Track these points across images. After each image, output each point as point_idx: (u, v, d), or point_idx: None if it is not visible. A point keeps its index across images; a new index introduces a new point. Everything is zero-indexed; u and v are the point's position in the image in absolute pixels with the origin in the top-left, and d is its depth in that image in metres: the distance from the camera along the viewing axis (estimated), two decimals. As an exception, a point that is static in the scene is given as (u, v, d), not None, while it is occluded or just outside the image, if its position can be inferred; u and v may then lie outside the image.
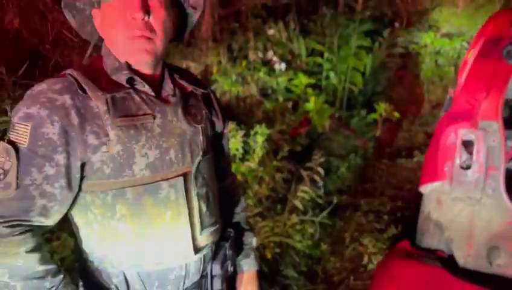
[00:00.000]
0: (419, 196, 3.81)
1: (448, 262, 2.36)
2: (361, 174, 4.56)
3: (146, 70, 1.06)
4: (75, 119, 0.97)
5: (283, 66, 6.10)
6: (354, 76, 6.12)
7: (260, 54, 6.10)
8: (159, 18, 1.02)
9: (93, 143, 0.98)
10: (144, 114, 1.03)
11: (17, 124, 0.96)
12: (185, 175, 1.08)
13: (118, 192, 1.01)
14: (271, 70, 6.01)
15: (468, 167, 2.24)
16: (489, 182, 2.18)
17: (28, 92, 0.99)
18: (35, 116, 0.95)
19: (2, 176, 0.94)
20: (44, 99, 0.96)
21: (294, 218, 3.01)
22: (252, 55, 6.11)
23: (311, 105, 4.87)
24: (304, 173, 3.12)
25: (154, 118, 1.04)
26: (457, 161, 2.26)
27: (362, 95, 6.59)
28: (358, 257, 3.04)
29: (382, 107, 4.87)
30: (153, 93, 1.06)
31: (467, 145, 2.26)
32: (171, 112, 1.07)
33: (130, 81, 1.04)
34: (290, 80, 5.83)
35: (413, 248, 2.54)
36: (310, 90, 5.54)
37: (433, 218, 2.38)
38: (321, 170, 3.09)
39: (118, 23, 1.01)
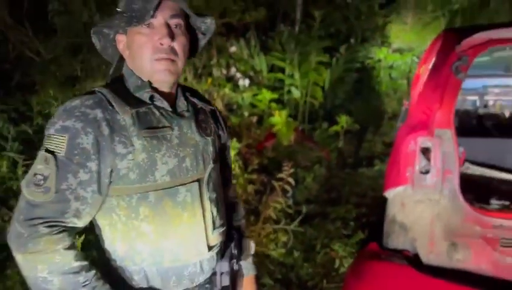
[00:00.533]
0: (382, 202, 4.05)
1: (413, 260, 2.57)
2: (326, 184, 4.77)
3: (164, 88, 1.21)
4: (105, 131, 1.10)
5: (247, 82, 6.29)
6: (315, 90, 6.39)
7: (224, 71, 6.26)
8: (180, 43, 1.17)
9: (121, 152, 1.11)
10: (164, 126, 1.17)
11: (53, 136, 1.08)
12: (198, 181, 1.22)
13: (142, 195, 1.13)
14: (235, 87, 6.18)
15: (427, 172, 2.46)
16: (446, 185, 2.40)
17: (62, 108, 1.11)
18: (71, 128, 1.08)
19: (42, 182, 1.06)
20: (78, 113, 1.09)
21: (268, 227, 3.14)
22: (216, 72, 6.27)
23: (276, 119, 5.05)
24: (276, 184, 3.26)
25: (172, 130, 1.18)
26: (417, 167, 2.48)
27: (322, 109, 6.88)
28: (330, 262, 3.20)
29: (344, 120, 5.13)
30: (170, 109, 1.20)
31: (425, 152, 2.48)
32: (186, 125, 1.22)
33: (151, 98, 1.18)
34: (254, 95, 6.02)
35: (381, 249, 2.73)
36: (274, 105, 5.74)
37: (398, 220, 2.57)
38: (292, 180, 3.25)
39: (145, 47, 1.15)
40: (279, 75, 6.58)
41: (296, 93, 6.36)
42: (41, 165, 1.07)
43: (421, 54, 7.56)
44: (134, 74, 1.20)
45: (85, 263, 1.09)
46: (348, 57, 7.22)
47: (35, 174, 1.07)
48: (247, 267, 1.48)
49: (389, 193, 2.63)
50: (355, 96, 7.50)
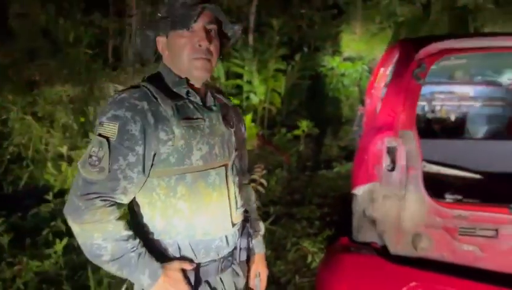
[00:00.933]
0: (343, 200, 4.27)
1: (382, 251, 2.77)
2: (289, 186, 4.94)
3: (197, 85, 1.38)
4: (151, 120, 1.25)
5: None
6: (273, 97, 6.58)
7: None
8: (214, 46, 1.35)
9: (163, 138, 1.26)
10: (197, 118, 1.34)
11: (106, 123, 1.23)
12: (225, 166, 1.39)
13: (180, 176, 1.30)
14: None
15: (393, 169, 2.67)
16: (411, 181, 2.63)
17: (111, 99, 1.27)
18: (121, 116, 1.23)
19: (97, 162, 1.21)
20: (128, 104, 1.24)
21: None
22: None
23: (238, 124, 5.16)
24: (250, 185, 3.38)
25: (204, 121, 1.35)
26: (384, 165, 2.69)
27: (280, 115, 7.09)
28: (301, 259, 3.35)
29: (304, 124, 5.34)
30: (201, 103, 1.37)
31: (391, 151, 2.70)
32: (214, 118, 1.39)
33: (187, 93, 1.34)
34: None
35: (351, 243, 2.92)
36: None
37: (368, 215, 2.77)
38: (264, 181, 3.37)
39: (186, 48, 1.32)
40: (238, 82, 6.72)
41: (255, 99, 6.52)
42: (96, 148, 1.22)
43: (370, 63, 8.02)
44: (172, 72, 1.36)
45: (131, 232, 1.26)
46: (302, 65, 7.49)
47: (90, 156, 1.23)
48: (259, 245, 1.67)
49: (358, 190, 2.82)
50: (309, 102, 7.78)
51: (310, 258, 3.20)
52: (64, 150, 3.46)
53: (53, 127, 4.38)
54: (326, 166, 5.40)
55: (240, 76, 6.76)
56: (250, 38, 6.97)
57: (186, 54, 1.32)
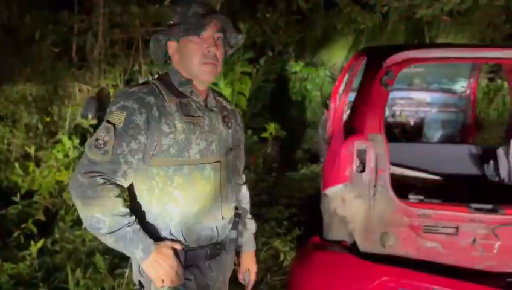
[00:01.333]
0: (310, 201, 4.40)
1: (352, 249, 2.91)
2: (256, 188, 5.02)
3: (202, 87, 1.52)
4: (155, 113, 1.38)
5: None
6: (239, 99, 6.66)
7: (150, 78, 6.25)
8: (220, 52, 1.49)
9: (166, 131, 1.39)
10: (198, 116, 1.48)
11: (114, 111, 1.37)
12: (219, 162, 1.52)
13: (178, 167, 1.42)
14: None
15: (362, 171, 2.82)
16: (379, 181, 2.78)
17: (122, 92, 1.42)
18: (129, 107, 1.36)
19: (102, 145, 1.34)
20: (136, 97, 1.38)
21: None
22: (141, 79, 6.23)
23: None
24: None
25: (204, 119, 1.49)
26: (354, 167, 2.83)
27: (244, 117, 7.17)
28: (271, 258, 3.44)
29: (272, 127, 5.45)
30: (203, 103, 1.51)
31: (361, 153, 2.84)
32: (214, 117, 1.53)
33: (191, 92, 1.48)
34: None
35: (322, 241, 3.04)
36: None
37: (339, 214, 2.90)
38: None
39: (196, 53, 1.45)
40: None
41: (221, 101, 6.56)
42: (103, 133, 1.36)
43: (331, 69, 8.27)
44: (179, 73, 1.49)
45: (128, 210, 1.38)
46: (267, 69, 7.61)
47: (97, 139, 1.36)
48: (249, 243, 1.78)
49: (330, 191, 2.94)
50: (273, 105, 7.90)
51: (282, 257, 3.29)
52: (32, 150, 3.38)
53: (15, 127, 4.25)
54: (292, 168, 5.54)
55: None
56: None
57: (196, 59, 1.45)
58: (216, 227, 1.53)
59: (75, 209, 2.96)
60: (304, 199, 4.70)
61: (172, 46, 1.49)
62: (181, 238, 1.46)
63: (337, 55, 8.42)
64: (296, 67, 7.82)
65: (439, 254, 2.78)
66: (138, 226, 1.39)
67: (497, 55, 3.09)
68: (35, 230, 2.72)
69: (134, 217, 1.39)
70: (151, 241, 1.39)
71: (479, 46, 3.35)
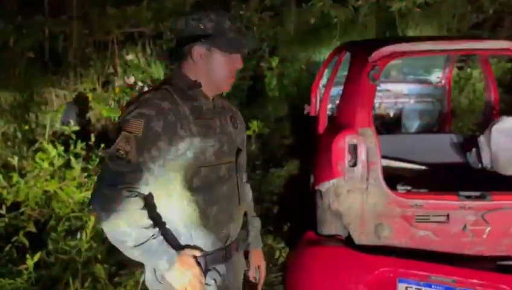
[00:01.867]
0: (296, 197, 4.43)
1: (347, 242, 2.96)
2: (241, 186, 5.02)
3: (211, 92, 1.53)
4: (172, 118, 1.39)
5: (150, 90, 6.25)
6: (217, 98, 6.61)
7: (127, 79, 6.15)
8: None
9: (182, 135, 1.40)
10: (210, 118, 1.49)
11: (132, 120, 1.35)
12: (232, 162, 1.54)
13: (196, 170, 1.43)
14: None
15: (355, 165, 2.87)
16: (372, 174, 2.84)
17: (136, 100, 1.40)
18: (146, 114, 1.35)
19: (124, 155, 1.33)
20: (152, 103, 1.38)
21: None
22: (117, 81, 6.12)
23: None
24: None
25: (215, 121, 1.50)
26: (347, 161, 2.88)
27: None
28: (266, 255, 3.43)
29: (255, 124, 5.45)
30: (211, 105, 1.53)
31: (352, 148, 2.88)
32: (223, 119, 1.55)
33: (201, 95, 1.50)
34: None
35: (317, 236, 3.08)
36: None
37: (333, 209, 2.94)
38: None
39: (225, 68, 1.49)
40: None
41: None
42: (122, 143, 1.34)
43: (308, 63, 8.32)
44: (188, 77, 1.49)
45: (152, 221, 1.38)
46: (243, 65, 7.57)
47: (118, 150, 1.34)
48: (257, 241, 1.80)
49: (323, 186, 2.98)
50: (250, 102, 7.90)
51: (277, 254, 3.31)
52: (15, 161, 3.27)
53: (-9, 136, 4.11)
54: (276, 164, 5.56)
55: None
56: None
57: (224, 73, 1.49)
58: (232, 227, 1.56)
59: (67, 219, 2.90)
60: (291, 195, 4.73)
61: (200, 51, 1.46)
62: (201, 242, 1.48)
63: (311, 50, 8.48)
64: (271, 63, 7.83)
65: (431, 242, 2.86)
66: (161, 237, 1.39)
67: (475, 47, 3.20)
68: (26, 243, 2.65)
69: (157, 228, 1.39)
70: (174, 251, 1.41)
71: (462, 39, 3.45)
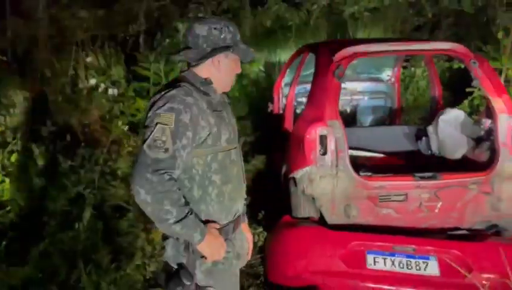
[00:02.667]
0: (265, 189, 4.71)
1: (320, 222, 3.31)
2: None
3: (218, 89, 1.79)
4: (195, 111, 1.63)
5: (115, 91, 6.32)
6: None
7: (91, 81, 6.18)
8: None
9: (203, 125, 1.65)
10: (221, 110, 1.75)
11: (163, 114, 1.58)
12: (237, 148, 1.81)
13: (214, 155, 1.69)
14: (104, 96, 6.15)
15: (325, 153, 3.22)
16: (340, 161, 3.20)
17: (162, 97, 1.61)
18: (176, 108, 1.59)
19: (162, 144, 1.55)
20: (179, 99, 1.61)
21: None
22: (81, 83, 6.15)
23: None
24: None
25: (224, 113, 1.76)
26: (318, 150, 3.22)
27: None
28: (244, 241, 3.72)
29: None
30: (218, 99, 1.78)
31: (323, 138, 3.23)
32: (228, 111, 1.83)
33: (212, 91, 1.74)
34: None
35: (293, 219, 3.41)
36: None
37: (307, 193, 3.27)
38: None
39: (233, 71, 1.79)
40: (145, 85, 6.77)
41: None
42: (158, 134, 1.56)
43: (264, 64, 8.66)
44: (199, 75, 1.74)
45: (185, 200, 1.60)
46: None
47: (155, 140, 1.55)
48: (244, 216, 2.01)
49: (297, 173, 3.32)
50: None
51: (256, 238, 3.60)
52: (-2, 162, 3.35)
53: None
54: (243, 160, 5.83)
55: (146, 79, 6.82)
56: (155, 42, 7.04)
57: (231, 76, 1.80)
58: (239, 202, 1.82)
59: (60, 214, 3.03)
60: (261, 187, 5.01)
61: (220, 57, 1.73)
62: (218, 216, 1.72)
63: (266, 52, 8.83)
64: (230, 64, 8.10)
65: (393, 219, 3.27)
66: (194, 212, 1.62)
67: (424, 48, 3.66)
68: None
69: (189, 205, 1.62)
70: (203, 225, 1.64)
71: (412, 40, 3.90)
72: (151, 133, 1.57)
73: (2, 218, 3.11)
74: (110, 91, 6.29)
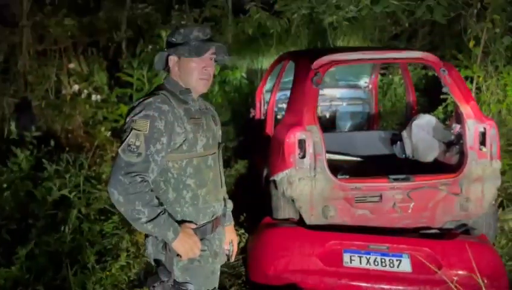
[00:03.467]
0: (247, 193, 4.83)
1: (299, 223, 3.44)
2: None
3: (195, 95, 1.85)
4: (170, 118, 1.70)
5: (98, 97, 6.38)
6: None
7: (74, 87, 6.23)
8: (212, 70, 1.85)
9: (179, 132, 1.72)
10: (198, 118, 1.81)
11: (138, 120, 1.66)
12: (215, 153, 1.88)
13: (189, 160, 1.76)
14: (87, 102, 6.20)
15: (304, 157, 3.36)
16: (318, 164, 3.34)
17: (139, 104, 1.70)
18: (151, 116, 1.67)
19: (135, 149, 1.64)
20: (154, 106, 1.69)
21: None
22: (64, 89, 6.20)
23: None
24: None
25: (202, 120, 1.82)
26: (297, 153, 3.36)
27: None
28: (226, 242, 3.82)
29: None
30: (198, 107, 1.85)
31: (301, 142, 3.37)
32: (207, 118, 1.88)
33: (190, 99, 1.81)
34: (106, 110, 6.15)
35: (274, 220, 3.53)
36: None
37: (287, 195, 3.40)
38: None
39: (195, 71, 1.79)
40: (128, 90, 6.84)
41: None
42: (133, 139, 1.64)
43: (246, 71, 8.82)
44: (178, 83, 1.82)
45: (158, 201, 1.68)
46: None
47: (129, 145, 1.64)
48: (229, 218, 2.13)
49: (277, 176, 3.44)
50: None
51: (238, 240, 3.70)
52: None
53: None
54: (225, 165, 5.95)
55: (130, 85, 6.89)
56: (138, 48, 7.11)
57: (195, 75, 1.80)
58: (216, 205, 1.88)
59: (46, 217, 3.10)
60: (242, 191, 5.13)
61: (173, 60, 1.81)
62: (193, 217, 1.79)
63: (248, 58, 8.99)
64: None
65: (368, 219, 3.42)
66: (167, 212, 1.69)
67: (398, 56, 3.85)
68: (9, 238, 2.82)
69: (163, 206, 1.70)
70: (177, 224, 1.71)
71: (386, 49, 4.09)
72: (126, 138, 1.66)
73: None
74: (93, 97, 6.36)
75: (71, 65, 7.23)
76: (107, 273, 2.66)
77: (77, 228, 2.93)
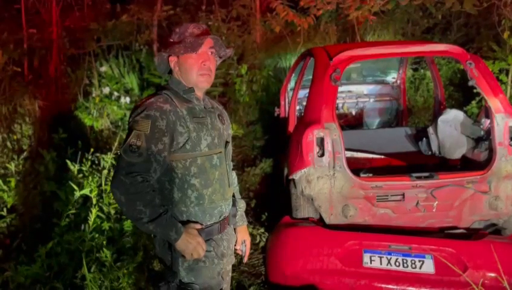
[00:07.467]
0: (270, 192, 4.81)
1: (318, 223, 3.38)
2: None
3: (199, 93, 1.86)
4: (172, 118, 1.71)
5: (127, 99, 6.52)
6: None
7: (104, 90, 6.39)
8: (213, 65, 1.86)
9: (181, 131, 1.73)
10: (203, 117, 1.81)
11: (140, 120, 1.66)
12: (222, 152, 1.85)
13: (193, 159, 1.75)
14: (117, 104, 6.35)
15: (322, 155, 3.30)
16: (337, 162, 3.27)
17: (141, 104, 1.71)
18: (152, 116, 1.67)
19: (136, 149, 1.64)
20: (156, 106, 1.69)
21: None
22: (95, 92, 6.37)
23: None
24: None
25: (207, 119, 1.81)
26: (315, 152, 3.30)
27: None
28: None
29: (231, 127, 5.81)
30: (202, 106, 1.85)
31: (320, 140, 3.31)
32: (213, 117, 1.87)
33: (194, 98, 1.81)
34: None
35: (293, 220, 3.49)
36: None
37: (305, 194, 3.35)
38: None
39: (194, 67, 1.79)
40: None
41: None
42: (134, 139, 1.65)
43: (275, 69, 8.77)
44: (182, 82, 1.83)
45: (160, 201, 1.68)
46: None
47: (130, 145, 1.64)
48: (242, 219, 2.12)
49: (296, 175, 3.39)
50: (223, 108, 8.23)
51: (258, 239, 3.69)
52: (12, 166, 3.53)
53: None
54: (250, 164, 5.95)
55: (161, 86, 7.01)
56: (155, 48, 7.19)
57: (194, 71, 1.79)
58: (224, 205, 1.87)
59: (67, 216, 3.19)
60: (267, 190, 5.11)
61: (173, 60, 1.81)
62: (199, 217, 1.79)
63: (276, 57, 8.95)
64: (241, 70, 8.23)
65: (390, 218, 3.32)
66: (170, 213, 1.69)
67: (420, 49, 3.71)
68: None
69: (165, 206, 1.69)
70: (180, 224, 1.71)
71: (406, 43, 3.96)
72: (127, 139, 1.66)
73: (14, 221, 3.27)
74: (122, 99, 6.50)
75: (102, 68, 7.44)
76: (125, 271, 2.70)
77: (98, 226, 2.99)
